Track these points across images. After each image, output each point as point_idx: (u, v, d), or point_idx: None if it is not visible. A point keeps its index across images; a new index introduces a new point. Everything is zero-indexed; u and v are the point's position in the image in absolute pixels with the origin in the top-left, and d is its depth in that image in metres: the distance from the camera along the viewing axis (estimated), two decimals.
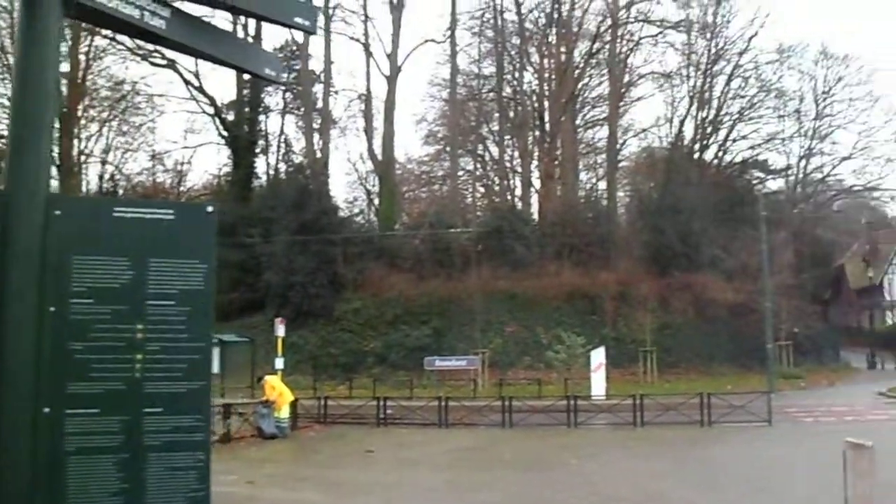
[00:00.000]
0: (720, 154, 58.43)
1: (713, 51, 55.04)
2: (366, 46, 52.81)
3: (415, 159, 58.30)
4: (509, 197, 53.71)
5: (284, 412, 24.41)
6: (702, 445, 20.70)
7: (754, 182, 59.26)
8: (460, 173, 54.42)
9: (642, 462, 18.46)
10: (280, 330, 33.44)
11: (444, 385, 37.92)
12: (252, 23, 46.18)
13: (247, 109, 55.03)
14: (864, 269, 72.13)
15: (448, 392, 31.59)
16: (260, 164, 56.77)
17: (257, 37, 48.25)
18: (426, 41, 52.64)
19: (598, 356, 33.94)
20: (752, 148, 59.25)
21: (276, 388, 24.48)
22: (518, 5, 53.31)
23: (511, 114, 54.67)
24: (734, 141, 58.30)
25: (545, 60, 54.22)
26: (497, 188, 54.68)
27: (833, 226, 67.10)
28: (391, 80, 51.69)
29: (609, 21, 53.10)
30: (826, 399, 33.29)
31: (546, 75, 54.30)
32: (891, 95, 58.52)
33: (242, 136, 53.81)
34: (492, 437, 23.61)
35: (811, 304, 53.01)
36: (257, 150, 56.22)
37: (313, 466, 18.77)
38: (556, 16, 53.78)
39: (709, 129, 56.83)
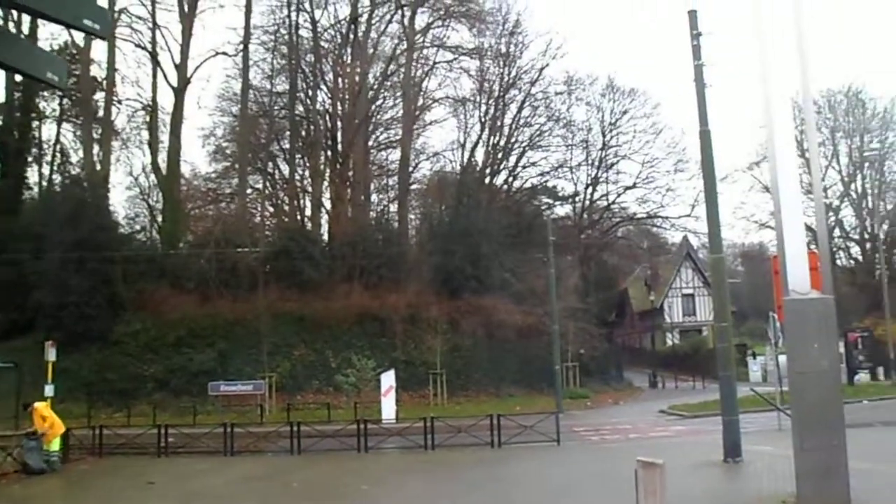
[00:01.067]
0: (510, 179, 60.04)
1: (506, 79, 56.59)
2: (153, 55, 50.32)
3: (202, 175, 56.00)
4: (299, 217, 52.63)
5: (55, 444, 22.34)
6: (492, 466, 20.65)
7: (543, 208, 61.27)
8: (249, 191, 52.76)
9: (433, 485, 18.16)
10: (51, 354, 30.78)
11: (230, 411, 36.38)
12: (27, 20, 43.00)
13: (17, 114, 51.05)
14: (646, 292, 76.89)
15: (234, 418, 30.20)
16: (32, 175, 52.79)
17: (32, 36, 44.86)
18: (217, 53, 50.42)
19: (388, 379, 33.58)
20: (541, 174, 61.29)
21: (48, 419, 22.37)
22: (314, 23, 52.61)
23: (303, 133, 53.76)
24: (524, 167, 60.10)
25: (340, 80, 53.77)
26: (287, 208, 53.49)
27: (617, 251, 70.54)
28: (179, 91, 49.49)
29: (405, 44, 53.43)
30: (611, 418, 34.61)
31: (340, 95, 53.82)
32: (673, 128, 62.70)
33: (11, 143, 49.78)
34: (280, 464, 22.60)
35: (596, 327, 55.13)
36: (29, 159, 52.22)
37: (88, 503, 17.21)
38: (351, 36, 53.49)
39: (500, 155, 58.27)
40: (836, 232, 72.89)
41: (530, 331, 45.78)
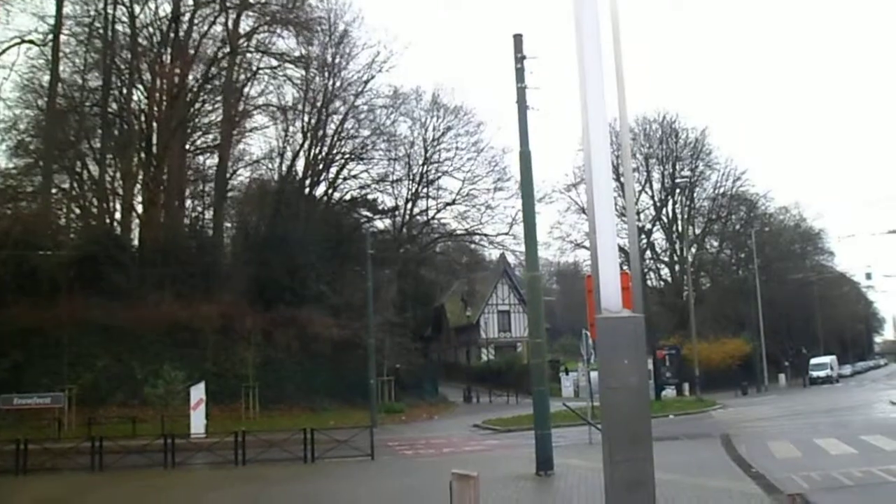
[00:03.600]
0: (330, 191, 59.49)
1: (330, 90, 56.15)
2: None
3: (0, 171, 52.43)
4: (108, 220, 50.12)
5: None
6: (305, 482, 20.30)
7: (362, 221, 61.02)
8: (54, 191, 49.80)
9: (244, 502, 17.66)
10: None
11: (25, 426, 34.05)
12: None
13: None
14: (463, 308, 77.69)
15: (28, 433, 28.28)
16: None
17: None
18: (23, 41, 47.21)
19: (198, 392, 32.45)
20: (362, 187, 61.01)
21: None
22: (132, 18, 50.36)
23: (116, 132, 51.36)
24: (345, 179, 59.68)
25: (157, 80, 51.69)
26: (95, 210, 50.76)
27: (436, 266, 71.00)
28: None
29: (227, 48, 52.10)
30: (426, 432, 34.77)
31: (157, 96, 51.77)
32: (494, 148, 64.22)
33: None
34: (78, 483, 21.29)
35: (413, 342, 55.42)
36: None
37: None
38: (172, 35, 51.64)
39: (321, 166, 57.72)
40: (648, 254, 76.79)
41: (346, 344, 45.45)
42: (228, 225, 55.91)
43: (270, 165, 58.90)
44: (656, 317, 67.21)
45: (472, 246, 71.20)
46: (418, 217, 65.33)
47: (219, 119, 53.93)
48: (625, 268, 10.25)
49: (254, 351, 41.96)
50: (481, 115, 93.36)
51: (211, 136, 55.48)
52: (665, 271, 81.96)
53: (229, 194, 55.48)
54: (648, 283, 74.77)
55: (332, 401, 43.82)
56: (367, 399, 40.18)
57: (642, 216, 75.78)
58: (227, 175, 54.25)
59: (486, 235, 64.96)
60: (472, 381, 64.39)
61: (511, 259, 74.52)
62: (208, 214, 55.54)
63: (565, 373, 60.57)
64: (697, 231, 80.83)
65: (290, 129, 57.20)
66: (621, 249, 58.07)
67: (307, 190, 57.34)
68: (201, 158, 57.14)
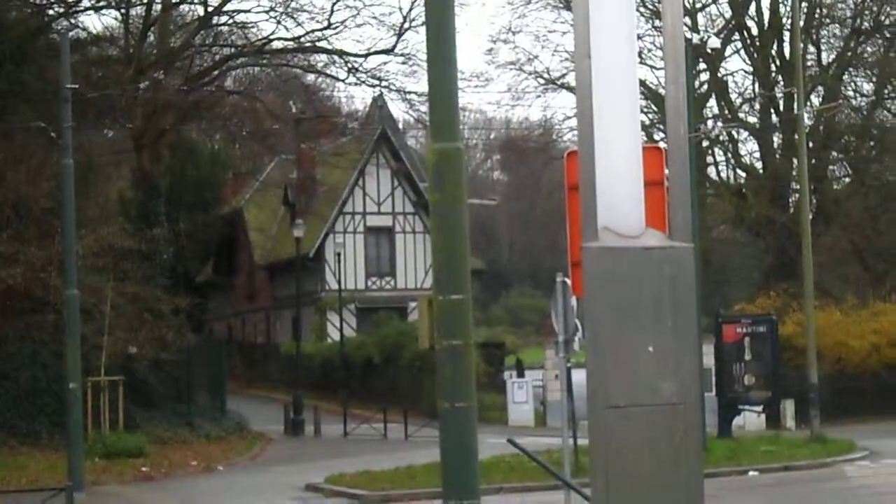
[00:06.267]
0: None
1: None
2: None
3: None
4: None
5: None
6: None
7: (48, 9, 36.60)
8: None
9: None
10: None
11: None
12: None
13: None
14: (286, 219, 54.02)
15: None
16: None
17: None
18: None
19: None
20: None
21: None
22: None
23: None
24: None
25: None
26: None
27: (226, 124, 38.50)
28: None
29: None
30: None
31: None
32: None
33: None
34: None
35: (171, 295, 26.61)
36: None
37: None
38: None
39: None
40: (711, 105, 42.64)
41: (15, 301, 23.60)
42: None
43: None
44: (723, 252, 42.13)
45: (311, 79, 37.61)
46: (186, 9, 33.82)
47: None
48: (656, 139, 5.01)
49: None
50: None
51: None
52: (749, 148, 41.88)
53: None
54: (709, 174, 39.48)
55: None
56: (61, 426, 20.33)
57: (701, 17, 38.72)
58: None
59: (341, 55, 31.70)
60: (305, 388, 31.45)
61: (397, 111, 41.59)
62: None
63: (517, 372, 32.69)
64: (829, 57, 39.76)
65: None
66: (646, 92, 33.01)
67: None
68: None
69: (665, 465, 4.10)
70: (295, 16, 30.45)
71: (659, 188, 4.27)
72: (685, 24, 34.03)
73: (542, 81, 37.95)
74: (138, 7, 30.17)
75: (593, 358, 4.09)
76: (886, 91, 40.83)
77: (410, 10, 29.53)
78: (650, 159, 4.26)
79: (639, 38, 30.91)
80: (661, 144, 4.56)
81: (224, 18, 31.83)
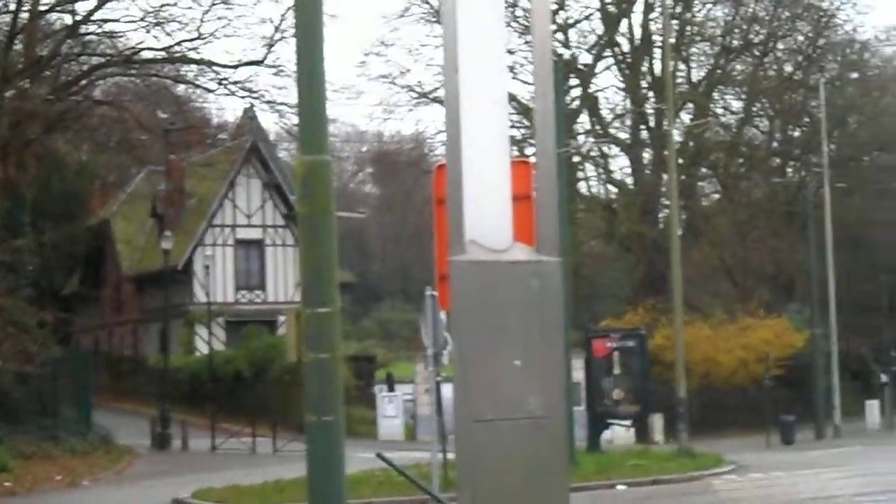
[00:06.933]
0: None
1: None
2: None
3: None
4: None
5: None
6: None
7: None
8: None
9: None
10: None
11: None
12: None
13: None
14: (155, 231, 57.39)
15: None
16: None
17: None
18: None
19: None
20: None
21: None
22: None
23: None
24: None
25: None
26: None
27: (93, 136, 36.40)
28: None
29: None
30: None
31: None
32: None
33: None
34: None
35: (35, 308, 28.18)
36: None
37: None
38: None
39: None
40: (583, 121, 40.03)
41: None
42: None
43: None
44: (594, 267, 41.93)
45: (181, 90, 36.30)
46: (54, 17, 33.20)
47: None
48: (528, 153, 5.01)
49: None
50: None
51: None
52: (620, 164, 41.93)
53: None
54: (580, 189, 39.17)
55: None
56: None
57: (573, 33, 39.76)
58: None
59: (210, 65, 31.66)
60: (173, 402, 30.96)
61: (268, 123, 40.21)
62: None
63: (388, 386, 33.27)
64: (699, 75, 41.23)
65: None
66: (517, 107, 32.64)
67: None
68: None
69: (531, 479, 4.11)
70: (164, 25, 29.99)
71: (527, 202, 4.28)
72: (557, 40, 35.28)
73: (414, 95, 38.51)
74: (4, 15, 29.55)
75: (460, 371, 4.07)
76: (755, 108, 42.84)
77: (281, 21, 29.39)
78: (518, 173, 4.27)
79: (510, 52, 31.71)
80: (532, 159, 4.58)
81: (93, 27, 31.21)
